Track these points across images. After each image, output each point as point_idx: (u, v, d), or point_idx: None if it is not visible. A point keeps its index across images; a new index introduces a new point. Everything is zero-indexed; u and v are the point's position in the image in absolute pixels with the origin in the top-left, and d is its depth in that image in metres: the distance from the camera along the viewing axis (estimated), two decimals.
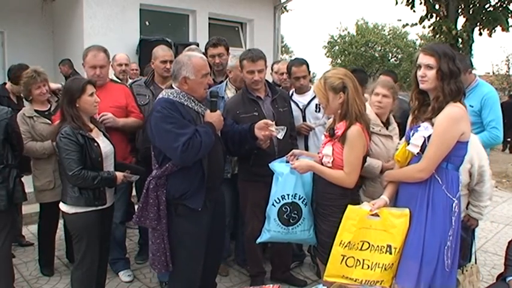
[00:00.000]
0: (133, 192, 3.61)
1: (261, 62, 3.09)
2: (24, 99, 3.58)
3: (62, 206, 2.65)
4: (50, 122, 3.28)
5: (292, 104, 3.51)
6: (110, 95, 3.27)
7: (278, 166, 2.61)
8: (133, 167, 2.87)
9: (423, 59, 2.16)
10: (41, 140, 3.28)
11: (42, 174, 3.30)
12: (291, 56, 30.79)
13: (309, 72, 3.61)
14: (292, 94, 3.64)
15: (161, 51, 3.52)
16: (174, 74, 2.49)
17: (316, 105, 3.47)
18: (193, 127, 2.37)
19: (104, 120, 3.09)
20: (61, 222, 3.55)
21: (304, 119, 3.54)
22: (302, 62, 3.53)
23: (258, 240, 2.72)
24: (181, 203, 2.43)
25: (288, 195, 2.54)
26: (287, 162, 2.61)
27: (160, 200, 2.41)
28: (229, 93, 3.47)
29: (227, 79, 3.61)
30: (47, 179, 3.30)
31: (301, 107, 3.54)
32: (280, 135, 2.62)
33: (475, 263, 2.87)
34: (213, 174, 2.49)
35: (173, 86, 2.52)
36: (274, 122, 2.67)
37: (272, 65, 4.67)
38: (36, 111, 3.36)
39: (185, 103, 2.45)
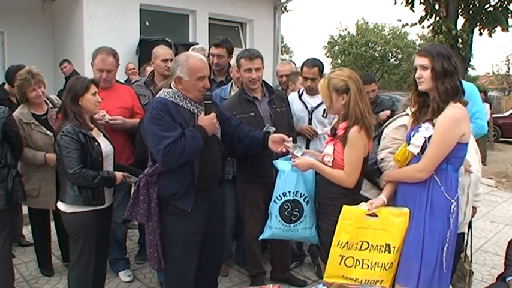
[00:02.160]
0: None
1: (258, 61, 3.07)
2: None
3: (60, 205, 2.63)
4: (47, 132, 3.19)
5: (301, 104, 3.50)
6: (117, 96, 3.29)
7: (281, 163, 2.62)
8: (132, 169, 2.87)
9: (418, 60, 2.18)
10: (35, 149, 3.17)
11: (29, 180, 3.20)
12: (291, 56, 30.83)
13: (321, 75, 3.43)
14: (302, 93, 3.58)
15: (162, 50, 3.53)
16: (171, 72, 2.51)
17: (324, 110, 3.40)
18: (181, 130, 2.34)
19: (113, 125, 3.11)
20: (53, 224, 3.58)
21: (310, 122, 3.49)
22: (314, 64, 3.43)
23: (260, 237, 2.74)
24: (171, 202, 2.45)
25: (289, 192, 2.54)
26: (290, 159, 2.61)
27: (152, 198, 2.42)
28: None
29: (232, 81, 3.60)
30: (32, 186, 3.21)
31: (309, 109, 3.49)
32: (297, 152, 2.55)
33: (471, 261, 2.93)
34: (205, 175, 2.47)
35: (171, 85, 2.52)
36: (291, 139, 2.65)
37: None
38: (33, 115, 3.21)
39: (180, 103, 2.44)
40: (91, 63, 3.30)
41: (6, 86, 4.26)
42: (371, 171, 2.49)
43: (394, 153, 2.34)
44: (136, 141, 3.16)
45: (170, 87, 2.52)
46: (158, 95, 2.52)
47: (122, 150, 3.22)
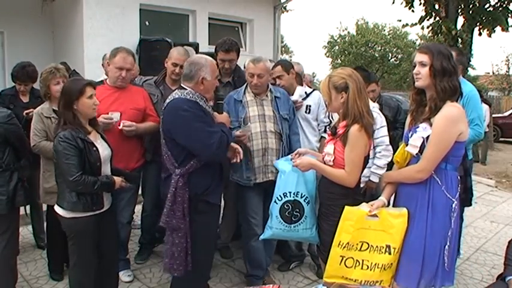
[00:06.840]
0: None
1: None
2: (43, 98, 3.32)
3: (59, 210, 2.55)
4: None
5: None
6: (130, 97, 3.30)
7: (281, 164, 2.64)
8: (128, 174, 2.83)
9: (418, 57, 2.19)
10: None
11: (51, 177, 3.12)
12: (290, 56, 30.83)
13: (289, 72, 3.49)
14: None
15: (176, 54, 3.46)
16: (191, 75, 2.53)
17: (307, 106, 3.46)
18: (218, 126, 2.51)
19: (127, 132, 3.13)
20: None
21: None
22: (277, 64, 3.58)
23: (261, 237, 2.75)
24: (202, 199, 2.53)
25: (290, 192, 2.55)
26: (291, 160, 2.62)
27: (185, 198, 2.49)
28: (249, 97, 3.25)
29: (246, 83, 3.37)
30: (54, 183, 3.19)
31: None
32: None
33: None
34: (226, 171, 2.68)
35: (185, 86, 2.55)
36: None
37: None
38: (54, 110, 3.16)
39: (200, 103, 2.53)
40: (107, 63, 3.30)
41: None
42: None
43: None
44: (153, 136, 3.24)
45: (182, 89, 2.55)
46: (176, 95, 2.53)
47: (131, 154, 3.24)
